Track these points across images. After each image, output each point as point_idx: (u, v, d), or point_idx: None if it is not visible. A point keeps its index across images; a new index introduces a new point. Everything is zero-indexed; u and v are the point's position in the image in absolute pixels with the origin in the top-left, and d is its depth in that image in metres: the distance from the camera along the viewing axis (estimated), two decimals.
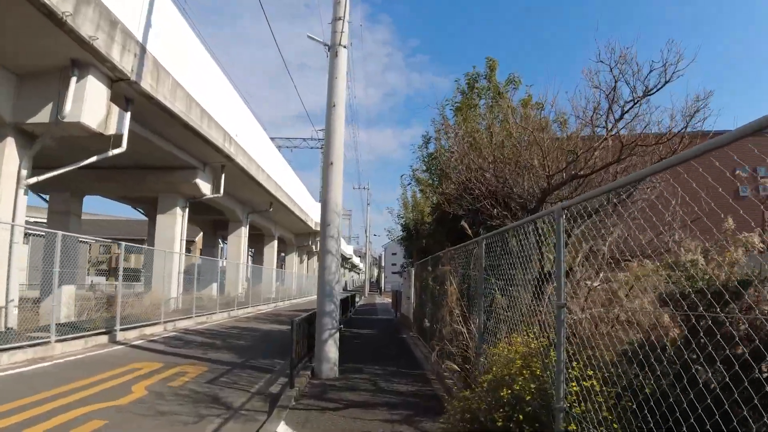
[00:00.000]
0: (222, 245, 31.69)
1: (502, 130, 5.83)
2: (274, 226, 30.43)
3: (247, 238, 24.52)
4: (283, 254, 40.80)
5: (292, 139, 39.60)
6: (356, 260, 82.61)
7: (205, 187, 16.76)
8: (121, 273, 10.27)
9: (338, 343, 6.70)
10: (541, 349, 3.09)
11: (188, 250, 39.40)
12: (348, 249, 68.30)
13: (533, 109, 6.59)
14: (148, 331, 11.12)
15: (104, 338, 9.56)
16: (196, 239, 37.28)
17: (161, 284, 15.60)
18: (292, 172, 27.76)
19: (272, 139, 29.47)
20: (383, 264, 78.12)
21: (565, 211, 2.86)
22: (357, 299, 30.99)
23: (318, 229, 38.62)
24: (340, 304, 15.51)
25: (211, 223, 27.97)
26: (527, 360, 3.06)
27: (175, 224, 16.56)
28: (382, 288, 63.31)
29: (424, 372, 7.11)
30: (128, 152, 14.39)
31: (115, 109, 10.37)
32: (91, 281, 29.71)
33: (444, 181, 7.38)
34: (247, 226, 24.51)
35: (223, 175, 17.14)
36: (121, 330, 10.19)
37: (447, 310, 5.61)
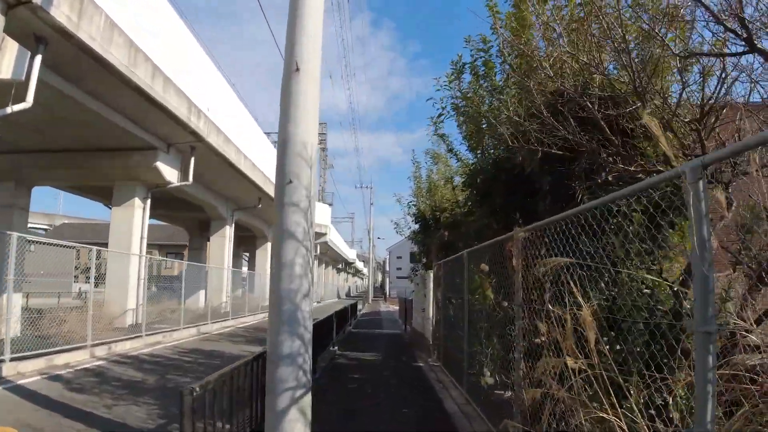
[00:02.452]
0: None
1: None
2: (267, 226, 27.22)
3: (232, 239, 21.39)
4: None
5: None
6: (359, 265, 79.33)
7: (169, 173, 13.60)
8: (11, 277, 7.08)
9: (309, 415, 3.42)
10: None
11: (180, 255, 36.40)
12: (351, 253, 65.12)
13: None
14: (61, 360, 7.89)
15: None
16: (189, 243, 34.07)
17: (114, 292, 12.64)
18: None
19: (267, 134, 26.30)
20: (387, 269, 74.52)
21: None
22: (359, 307, 27.65)
23: (321, 231, 34.97)
24: (336, 318, 12.13)
25: (197, 223, 24.84)
26: None
27: (132, 218, 13.40)
28: (387, 294, 60.07)
29: None
30: (68, 128, 11.39)
31: (14, 45, 7.35)
32: (80, 288, 26.95)
33: (498, 119, 4.21)
34: (233, 225, 21.39)
35: (192, 159, 13.96)
36: (16, 359, 7.01)
37: (550, 364, 2.40)
